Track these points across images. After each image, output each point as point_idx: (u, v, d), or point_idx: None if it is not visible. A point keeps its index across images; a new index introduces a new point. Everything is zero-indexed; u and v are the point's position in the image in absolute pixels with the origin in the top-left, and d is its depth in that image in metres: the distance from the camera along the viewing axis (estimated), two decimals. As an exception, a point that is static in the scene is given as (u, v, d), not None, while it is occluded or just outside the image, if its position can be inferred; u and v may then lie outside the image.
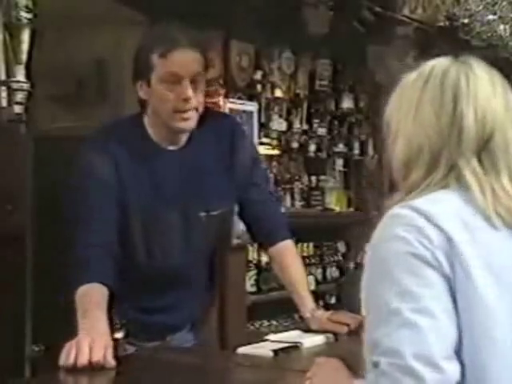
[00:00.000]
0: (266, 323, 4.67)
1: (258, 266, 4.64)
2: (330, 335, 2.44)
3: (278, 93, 4.68)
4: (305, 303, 2.45)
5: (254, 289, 4.56)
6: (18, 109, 2.92)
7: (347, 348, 2.48)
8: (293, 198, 5.06)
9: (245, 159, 2.34)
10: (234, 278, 4.21)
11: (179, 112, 2.11)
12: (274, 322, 4.71)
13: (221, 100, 4.16)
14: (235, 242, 4.18)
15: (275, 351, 2.24)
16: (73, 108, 4.57)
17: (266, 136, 4.62)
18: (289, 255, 2.47)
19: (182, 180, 2.23)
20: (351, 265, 5.22)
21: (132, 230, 2.20)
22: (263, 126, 4.53)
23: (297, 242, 4.88)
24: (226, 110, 4.16)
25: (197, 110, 2.12)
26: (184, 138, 2.23)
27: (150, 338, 2.31)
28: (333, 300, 4.79)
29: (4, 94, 2.90)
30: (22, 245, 2.96)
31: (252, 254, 4.62)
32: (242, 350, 2.28)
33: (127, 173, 2.16)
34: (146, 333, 2.29)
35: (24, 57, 2.93)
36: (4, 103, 2.91)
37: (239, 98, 4.28)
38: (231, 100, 4.19)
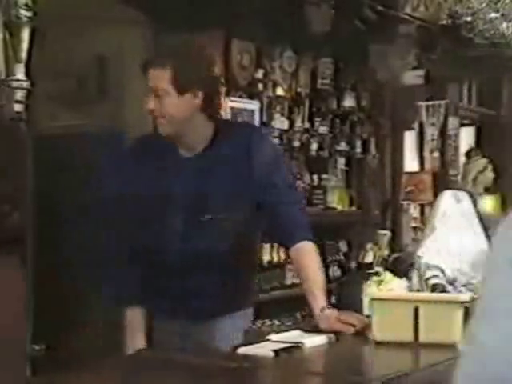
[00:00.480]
0: (267, 322, 4.65)
1: (259, 265, 4.61)
2: (332, 335, 2.43)
3: (280, 91, 4.67)
4: (316, 301, 2.47)
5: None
6: (17, 107, 2.91)
7: (348, 348, 2.48)
8: (294, 196, 5.04)
9: (263, 162, 2.47)
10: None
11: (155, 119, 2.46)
12: (276, 322, 4.70)
13: (222, 98, 4.14)
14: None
15: (276, 351, 2.23)
16: (73, 106, 4.56)
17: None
18: (307, 255, 2.52)
19: (193, 184, 2.46)
20: (353, 264, 5.21)
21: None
22: (265, 125, 4.52)
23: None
24: (227, 109, 4.16)
25: (165, 117, 2.39)
26: (200, 147, 2.47)
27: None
28: (333, 300, 4.77)
29: (4, 93, 2.88)
30: (21, 246, 2.95)
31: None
32: (242, 350, 2.27)
33: (146, 175, 2.48)
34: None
35: (24, 55, 2.92)
36: (4, 102, 2.90)
37: (240, 97, 4.27)
38: (232, 99, 4.18)
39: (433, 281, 2.48)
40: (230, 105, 4.15)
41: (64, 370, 2.09)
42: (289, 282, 4.80)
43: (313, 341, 2.38)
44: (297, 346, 2.31)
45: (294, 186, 2.73)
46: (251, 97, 4.37)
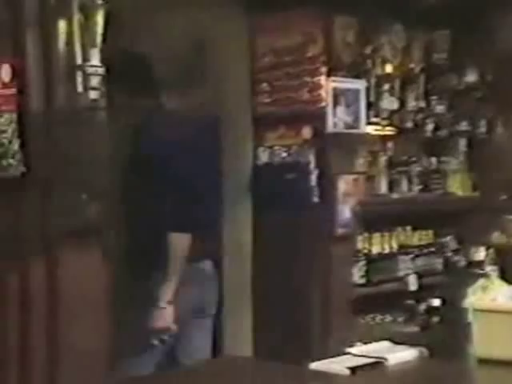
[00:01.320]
0: (378, 317, 4.34)
1: (368, 256, 4.32)
2: (424, 350, 2.13)
3: (389, 69, 4.32)
4: None
5: (363, 281, 4.25)
6: (93, 94, 2.76)
7: (443, 366, 2.16)
8: (410, 181, 4.69)
9: None
10: (338, 270, 3.93)
11: None
12: (388, 317, 4.37)
13: (322, 79, 3.86)
14: (340, 231, 3.89)
15: (352, 368, 1.96)
16: (172, 93, 4.41)
17: (376, 116, 4.28)
18: None
19: None
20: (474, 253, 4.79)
21: None
22: (372, 105, 4.19)
23: (414, 230, 4.61)
24: (329, 90, 3.87)
25: None
26: None
27: None
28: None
29: (80, 80, 2.74)
30: (99, 236, 2.81)
31: (362, 244, 4.31)
32: (315, 365, 2.02)
33: None
34: None
35: (98, 39, 2.76)
36: (80, 89, 2.75)
37: (344, 76, 3.96)
38: (334, 79, 3.88)
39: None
40: (331, 85, 3.86)
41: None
42: (401, 273, 4.47)
43: (399, 356, 2.10)
44: (378, 362, 2.04)
45: None
46: (356, 76, 4.05)
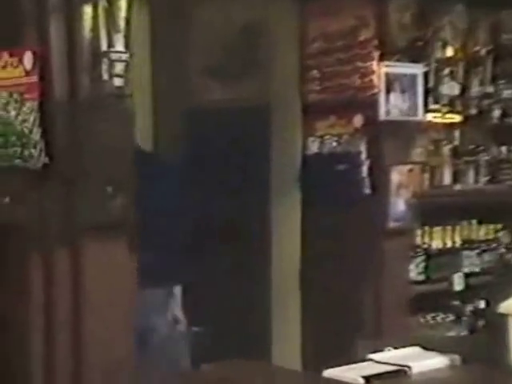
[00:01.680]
0: (439, 317, 4.09)
1: (427, 251, 4.08)
2: (456, 357, 1.92)
3: (450, 52, 4.05)
4: None
5: (421, 277, 4.01)
6: (118, 81, 2.65)
7: (475, 375, 1.95)
8: (477, 172, 4.41)
9: None
10: (392, 266, 3.71)
11: None
12: (450, 316, 4.11)
13: (374, 64, 3.64)
14: (393, 224, 3.67)
15: (367, 378, 1.78)
16: (219, 80, 4.28)
17: (436, 102, 4.02)
18: None
19: None
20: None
21: None
22: (431, 91, 3.94)
23: (480, 223, 4.34)
24: (382, 75, 3.64)
25: None
26: None
27: None
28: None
29: (105, 67, 2.63)
30: (124, 229, 2.70)
31: (421, 238, 4.07)
32: (329, 372, 1.84)
33: None
34: None
35: (122, 24, 2.64)
36: (106, 76, 2.64)
37: (399, 61, 3.72)
38: (387, 63, 3.65)
39: None
40: (385, 71, 3.63)
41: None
42: (466, 270, 4.20)
43: (425, 364, 1.90)
44: (399, 371, 1.84)
45: None
46: (414, 60, 3.80)
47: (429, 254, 4.07)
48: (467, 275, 4.05)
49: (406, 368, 1.85)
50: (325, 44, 3.82)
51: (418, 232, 4.05)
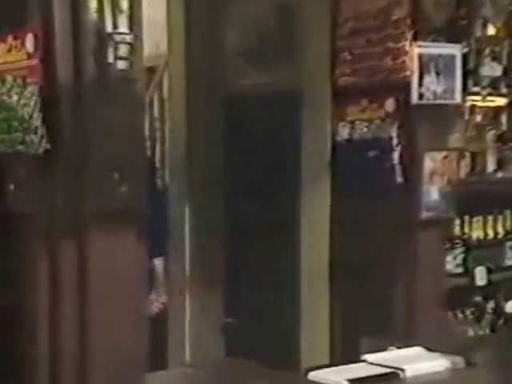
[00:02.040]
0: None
1: (466, 242, 3.87)
2: (459, 359, 1.77)
3: (491, 31, 3.83)
4: None
5: (459, 270, 3.82)
6: (121, 64, 2.54)
7: (479, 378, 1.78)
8: (524, 159, 4.18)
9: None
10: (426, 258, 3.52)
11: None
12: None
13: (407, 44, 3.45)
14: (425, 214, 3.48)
15: (353, 381, 1.64)
16: (254, 64, 4.16)
17: (476, 84, 3.81)
18: None
19: None
20: None
21: None
22: (470, 73, 3.72)
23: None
24: (415, 56, 3.45)
25: None
26: None
27: None
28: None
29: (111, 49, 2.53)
30: (132, 219, 2.61)
31: (460, 229, 3.87)
32: (313, 374, 1.70)
33: None
34: None
35: (125, 4, 2.53)
36: (111, 59, 2.55)
37: (434, 41, 3.52)
38: (421, 44, 3.45)
39: None
40: (417, 51, 3.43)
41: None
42: (510, 262, 3.98)
43: (422, 367, 1.74)
44: (391, 374, 1.69)
45: None
46: (451, 40, 3.59)
47: (468, 246, 3.87)
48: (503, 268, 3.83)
49: (399, 371, 1.70)
50: (357, 24, 3.64)
51: (457, 222, 3.86)
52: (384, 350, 1.95)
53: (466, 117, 3.81)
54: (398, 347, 1.96)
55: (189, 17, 4.37)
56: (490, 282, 3.65)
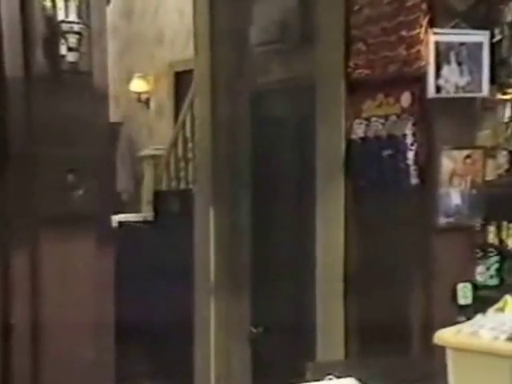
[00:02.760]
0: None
1: (501, 251, 3.47)
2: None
3: (527, 15, 3.42)
4: None
5: (494, 282, 3.42)
6: (71, 57, 2.36)
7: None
8: None
9: None
10: (446, 268, 3.17)
11: None
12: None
13: (422, 32, 3.11)
14: (444, 220, 3.13)
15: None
16: (275, 57, 3.92)
17: (508, 76, 3.40)
18: None
19: None
20: None
21: None
22: (498, 63, 3.33)
23: None
24: (431, 45, 3.11)
25: None
26: None
27: None
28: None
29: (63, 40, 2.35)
30: (91, 221, 2.42)
31: (495, 236, 3.48)
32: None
33: None
34: None
35: (74, -10, 2.35)
36: (64, 51, 2.37)
37: (456, 27, 3.17)
38: (437, 31, 3.10)
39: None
40: (433, 39, 3.09)
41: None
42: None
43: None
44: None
45: None
46: (477, 26, 3.23)
47: (504, 255, 3.47)
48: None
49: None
50: (371, 12, 3.33)
51: (491, 229, 3.46)
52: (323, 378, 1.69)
53: (496, 112, 3.42)
54: (338, 376, 1.69)
55: (213, 18, 4.22)
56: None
